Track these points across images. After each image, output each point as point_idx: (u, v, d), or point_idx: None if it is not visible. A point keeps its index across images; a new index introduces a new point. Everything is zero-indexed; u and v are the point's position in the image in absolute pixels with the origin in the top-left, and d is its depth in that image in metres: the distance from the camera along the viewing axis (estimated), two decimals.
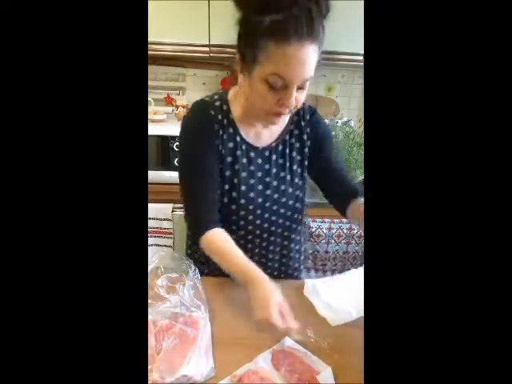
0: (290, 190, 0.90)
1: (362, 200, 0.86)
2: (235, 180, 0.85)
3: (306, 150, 0.90)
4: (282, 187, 0.89)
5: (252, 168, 0.86)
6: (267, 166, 0.88)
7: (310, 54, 0.66)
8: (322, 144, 0.91)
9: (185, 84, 2.09)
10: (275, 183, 0.89)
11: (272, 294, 0.68)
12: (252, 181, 0.87)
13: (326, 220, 1.71)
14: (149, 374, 0.61)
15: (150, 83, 2.00)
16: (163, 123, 1.78)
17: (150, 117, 1.76)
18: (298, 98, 0.72)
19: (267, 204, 0.90)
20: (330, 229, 1.72)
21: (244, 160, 0.85)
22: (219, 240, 0.82)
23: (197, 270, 0.82)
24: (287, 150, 0.89)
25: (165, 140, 1.65)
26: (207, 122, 0.82)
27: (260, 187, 0.88)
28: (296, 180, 0.91)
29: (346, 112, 2.21)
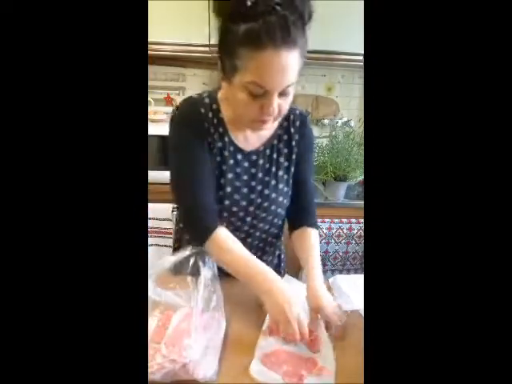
0: (274, 195, 0.89)
1: (310, 231, 0.92)
2: (222, 180, 0.85)
3: (294, 156, 0.90)
4: (266, 192, 0.88)
5: (238, 170, 0.86)
6: (253, 170, 0.87)
7: (288, 61, 0.64)
8: (301, 155, 0.91)
9: (185, 84, 2.09)
10: (260, 187, 0.88)
11: (291, 307, 0.69)
12: (238, 183, 0.86)
13: (326, 220, 1.71)
14: (156, 351, 0.62)
15: (150, 83, 2.00)
16: (163, 123, 1.78)
17: (150, 117, 1.76)
18: (282, 105, 0.71)
19: (250, 208, 0.88)
20: (329, 229, 1.73)
21: (231, 161, 0.85)
22: (227, 242, 0.80)
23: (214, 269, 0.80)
24: (274, 155, 0.88)
25: (165, 140, 1.66)
26: (198, 121, 0.81)
27: (245, 190, 0.87)
28: (280, 186, 0.90)
29: (346, 112, 2.22)
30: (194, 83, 2.09)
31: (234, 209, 0.87)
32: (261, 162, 0.87)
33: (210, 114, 0.82)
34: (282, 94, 0.69)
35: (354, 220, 1.72)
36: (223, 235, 0.80)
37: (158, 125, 1.73)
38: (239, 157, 0.85)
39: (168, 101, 2.04)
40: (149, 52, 1.62)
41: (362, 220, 1.69)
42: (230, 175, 0.85)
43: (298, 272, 1.87)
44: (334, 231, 1.73)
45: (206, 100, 0.82)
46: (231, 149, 0.84)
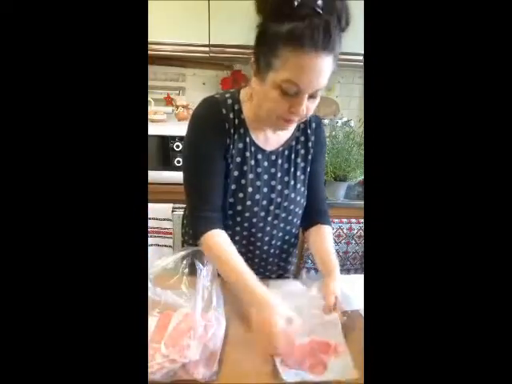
0: (293, 195, 0.92)
1: (324, 228, 0.95)
2: (243, 181, 0.85)
3: (310, 157, 0.92)
4: (286, 192, 0.91)
5: (259, 170, 0.87)
6: (273, 170, 0.89)
7: (324, 64, 0.66)
8: (316, 157, 0.94)
9: (185, 84, 2.09)
10: (279, 187, 0.90)
11: (276, 323, 0.66)
12: (258, 183, 0.87)
13: None
14: (156, 351, 0.62)
15: (150, 83, 2.00)
16: (163, 123, 1.78)
17: (150, 117, 1.76)
18: (309, 107, 0.73)
19: (271, 207, 0.90)
20: None
21: (252, 162, 0.86)
22: (220, 242, 0.81)
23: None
24: (292, 156, 0.90)
25: (165, 140, 1.66)
26: (218, 121, 0.81)
27: (265, 190, 0.89)
28: (298, 186, 0.92)
29: (346, 112, 2.21)
30: (194, 83, 2.09)
31: (256, 209, 0.89)
32: (280, 161, 0.89)
33: (232, 115, 0.82)
34: (312, 96, 0.71)
35: (353, 220, 1.72)
36: (216, 239, 0.81)
37: (158, 125, 1.73)
38: (259, 156, 0.87)
39: (168, 101, 2.04)
40: (149, 52, 1.62)
41: (362, 220, 1.69)
42: (251, 175, 0.86)
43: (297, 272, 1.86)
44: (334, 231, 1.72)
45: (229, 101, 0.83)
46: (252, 149, 0.85)
